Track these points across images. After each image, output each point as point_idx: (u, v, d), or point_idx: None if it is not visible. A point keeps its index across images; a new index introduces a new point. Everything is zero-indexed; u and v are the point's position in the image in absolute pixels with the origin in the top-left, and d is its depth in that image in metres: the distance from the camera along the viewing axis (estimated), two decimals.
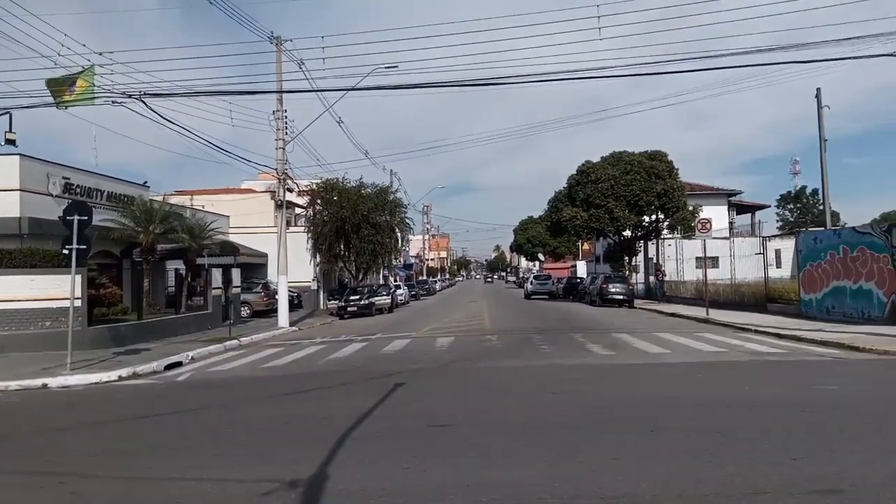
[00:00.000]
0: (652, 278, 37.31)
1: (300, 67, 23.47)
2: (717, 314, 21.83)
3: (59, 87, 15.87)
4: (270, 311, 27.87)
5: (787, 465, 5.19)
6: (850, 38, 15.43)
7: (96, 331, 16.63)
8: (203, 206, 30.78)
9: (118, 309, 19.25)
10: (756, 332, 16.94)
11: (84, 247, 12.73)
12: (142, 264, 21.12)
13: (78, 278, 14.09)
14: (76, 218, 12.54)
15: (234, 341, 18.14)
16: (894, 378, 9.97)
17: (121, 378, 12.40)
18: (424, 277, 76.93)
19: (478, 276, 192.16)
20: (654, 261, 37.40)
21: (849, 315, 17.90)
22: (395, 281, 48.28)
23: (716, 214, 35.71)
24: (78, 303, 14.77)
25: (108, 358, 14.48)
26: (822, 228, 24.35)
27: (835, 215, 47.56)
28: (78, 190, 20.36)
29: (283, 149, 23.73)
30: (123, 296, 21.03)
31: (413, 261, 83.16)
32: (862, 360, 11.98)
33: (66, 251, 12.74)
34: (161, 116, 18.29)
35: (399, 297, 38.87)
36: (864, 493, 4.51)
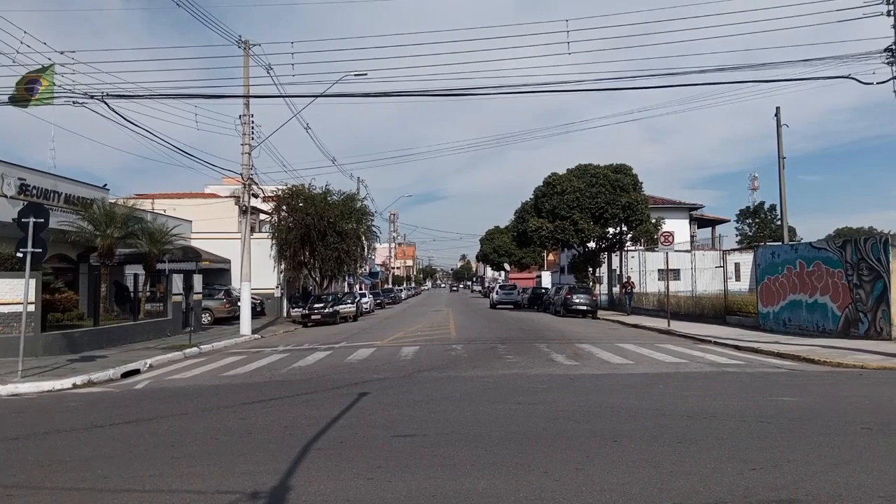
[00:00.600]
0: (616, 289, 37.81)
1: (268, 72, 23.28)
2: (678, 325, 22.22)
3: (18, 86, 15.42)
4: (233, 319, 27.41)
5: (746, 474, 5.29)
6: (808, 60, 15.95)
7: (50, 337, 16.14)
8: (165, 210, 30.23)
9: (74, 315, 18.70)
10: (716, 343, 17.29)
11: (39, 250, 12.35)
12: (99, 269, 20.59)
13: (32, 282, 13.67)
14: (32, 220, 12.16)
15: (195, 349, 17.80)
16: (847, 390, 10.26)
17: (75, 386, 12.05)
18: (390, 286, 76.67)
19: (444, 285, 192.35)
20: (618, 272, 37.93)
21: (804, 328, 18.40)
22: (361, 289, 47.97)
23: (678, 228, 36.53)
24: (32, 307, 14.33)
25: (62, 365, 14.05)
26: (780, 243, 25.02)
27: (792, 230, 48.97)
28: (34, 191, 19.80)
29: (249, 154, 23.45)
30: (80, 301, 20.45)
31: (379, 269, 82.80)
32: (817, 371, 12.32)
33: (20, 254, 12.34)
34: (123, 118, 17.97)
35: (364, 306, 38.64)
36: (820, 503, 4.62)
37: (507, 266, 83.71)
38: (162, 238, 22.53)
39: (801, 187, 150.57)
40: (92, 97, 16.85)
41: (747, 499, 4.68)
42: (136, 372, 13.82)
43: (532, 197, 39.56)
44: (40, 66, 15.83)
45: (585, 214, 35.36)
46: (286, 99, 23.92)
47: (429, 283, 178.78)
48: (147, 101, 19.41)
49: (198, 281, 24.15)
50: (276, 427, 7.71)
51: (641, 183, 37.00)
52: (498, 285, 57.71)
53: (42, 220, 12.32)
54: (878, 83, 13.85)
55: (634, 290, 33.17)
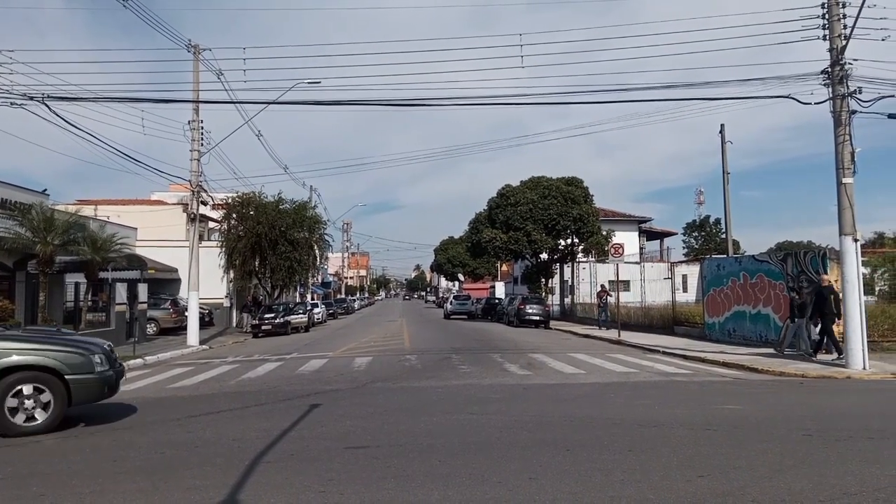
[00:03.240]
0: (567, 300, 38.31)
1: (219, 78, 22.93)
2: (628, 336, 22.65)
3: None
4: (179, 329, 26.70)
5: (695, 481, 5.41)
6: (749, 80, 16.55)
7: None
8: (109, 217, 29.24)
9: (9, 325, 17.87)
10: (664, 353, 17.68)
11: None
12: (38, 277, 19.76)
13: None
14: None
15: (139, 360, 17.27)
16: (789, 397, 10.63)
17: None
18: (343, 296, 75.97)
19: (397, 295, 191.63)
20: (570, 283, 38.42)
21: (748, 338, 18.98)
22: (313, 299, 47.38)
23: (627, 240, 37.39)
24: None
25: None
26: (725, 256, 25.83)
27: (736, 244, 50.58)
28: None
29: (198, 160, 22.99)
30: (16, 310, 19.57)
31: (331, 279, 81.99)
32: (760, 380, 12.73)
33: None
34: (65, 121, 17.36)
35: (316, 316, 38.18)
36: None
37: (461, 276, 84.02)
38: (105, 246, 21.77)
39: (743, 202, 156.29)
40: (32, 98, 16.24)
41: None
42: None
43: (486, 208, 39.89)
44: None
45: (538, 226, 35.83)
46: (237, 105, 23.54)
47: (383, 294, 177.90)
48: (91, 105, 18.80)
49: (143, 290, 23.44)
50: (225, 440, 7.52)
51: (592, 195, 37.76)
52: (452, 295, 57.82)
53: None
54: (815, 103, 14.46)
55: (611, 299, 28.52)
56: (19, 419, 8.07)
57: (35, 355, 8.24)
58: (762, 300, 18.64)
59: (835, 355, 14.65)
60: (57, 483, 5.86)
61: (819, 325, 15.32)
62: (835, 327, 14.92)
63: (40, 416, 8.15)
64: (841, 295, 14.21)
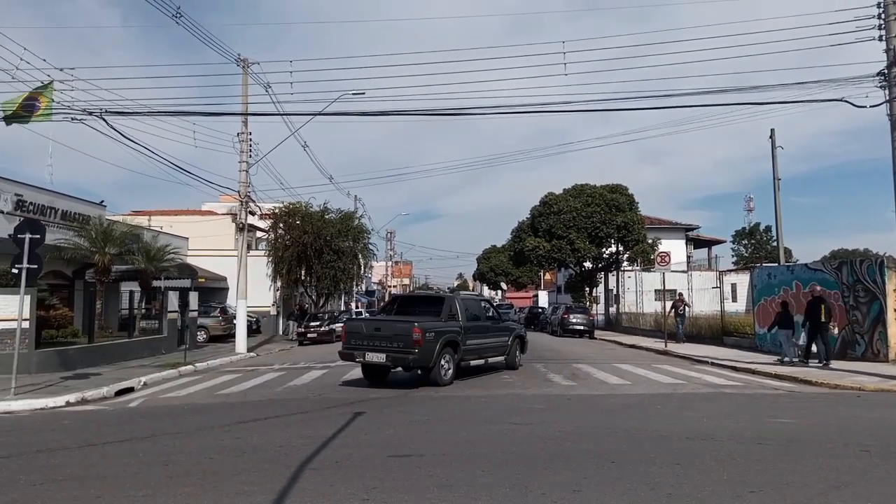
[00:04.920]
0: (612, 309, 37.73)
1: (266, 90, 23.48)
2: (675, 346, 22.18)
3: (18, 104, 15.47)
4: (228, 336, 27.28)
5: (746, 497, 5.25)
6: (801, 83, 16.12)
7: (44, 354, 16.02)
8: (161, 228, 30.17)
9: (68, 331, 18.59)
10: (713, 364, 17.25)
11: (35, 266, 12.30)
12: (95, 286, 20.50)
13: (27, 298, 13.59)
14: (28, 236, 12.13)
15: (190, 366, 17.68)
16: (845, 411, 10.23)
17: (68, 403, 11.94)
18: None
19: None
20: (615, 292, 37.86)
21: (801, 349, 18.34)
22: (357, 307, 47.84)
23: (674, 248, 36.59)
24: (26, 324, 14.24)
25: (55, 382, 13.94)
26: (776, 264, 25.08)
27: (787, 252, 49.02)
28: (31, 207, 19.76)
29: (247, 171, 23.53)
30: (74, 318, 20.34)
31: (375, 287, 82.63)
32: (814, 393, 12.30)
33: (15, 270, 12.29)
34: (121, 134, 18.01)
35: None
36: None
37: (503, 285, 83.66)
38: (158, 255, 22.48)
39: (795, 209, 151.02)
40: (90, 114, 16.92)
41: None
42: (130, 390, 13.70)
43: (529, 216, 39.72)
44: (40, 83, 15.89)
45: (582, 234, 35.48)
46: (284, 117, 24.08)
47: None
48: (145, 118, 19.52)
49: (193, 298, 24.00)
50: (271, 446, 7.64)
51: (637, 202, 37.19)
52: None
53: (38, 236, 12.28)
54: (871, 106, 14.00)
55: (689, 308, 26.33)
56: None
57: None
58: None
59: (822, 363, 15.47)
60: (112, 485, 6.05)
61: (811, 334, 16.00)
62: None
63: None
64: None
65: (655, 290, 30.74)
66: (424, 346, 12.58)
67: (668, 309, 24.73)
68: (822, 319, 15.48)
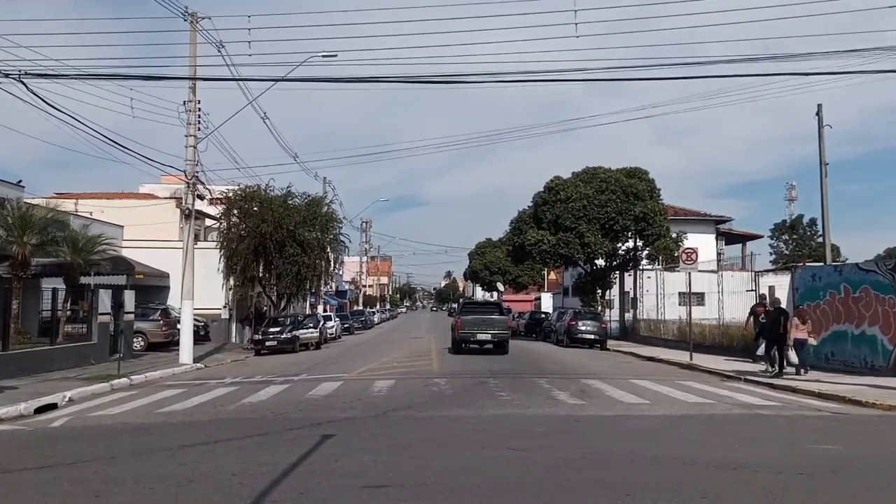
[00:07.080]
0: (629, 315, 37.93)
1: (219, 51, 23.28)
2: (702, 359, 22.34)
3: None
4: (170, 344, 27.16)
5: None
6: (852, 51, 16.22)
7: None
8: (91, 213, 29.99)
9: None
10: (746, 381, 17.41)
11: None
12: (10, 282, 20.34)
13: None
14: None
15: (124, 379, 17.63)
16: None
17: None
18: (360, 307, 76.48)
19: (424, 307, 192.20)
20: (632, 295, 38.07)
21: (850, 364, 18.57)
22: (325, 311, 47.81)
23: (702, 243, 36.71)
24: None
25: None
26: (822, 264, 25.32)
27: (835, 249, 49.57)
28: None
29: (195, 147, 23.39)
30: None
31: (347, 287, 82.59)
32: (865, 415, 12.44)
33: None
34: (44, 101, 17.83)
35: (329, 331, 38.52)
36: None
37: (500, 286, 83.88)
38: (88, 247, 22.32)
39: (844, 198, 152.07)
40: (6, 75, 16.75)
41: None
42: (53, 406, 13.62)
43: (531, 205, 39.78)
44: None
45: (593, 226, 35.57)
46: (240, 83, 23.91)
47: (407, 305, 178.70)
48: (73, 82, 19.28)
49: (129, 298, 23.89)
50: (223, 475, 7.64)
51: (659, 189, 37.32)
52: None
53: None
54: None
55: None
56: None
57: None
58: (867, 318, 18.21)
59: (773, 370, 17.56)
60: None
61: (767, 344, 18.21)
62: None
63: None
64: None
65: (680, 293, 30.95)
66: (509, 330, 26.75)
67: (746, 317, 22.88)
68: (781, 332, 17.47)
